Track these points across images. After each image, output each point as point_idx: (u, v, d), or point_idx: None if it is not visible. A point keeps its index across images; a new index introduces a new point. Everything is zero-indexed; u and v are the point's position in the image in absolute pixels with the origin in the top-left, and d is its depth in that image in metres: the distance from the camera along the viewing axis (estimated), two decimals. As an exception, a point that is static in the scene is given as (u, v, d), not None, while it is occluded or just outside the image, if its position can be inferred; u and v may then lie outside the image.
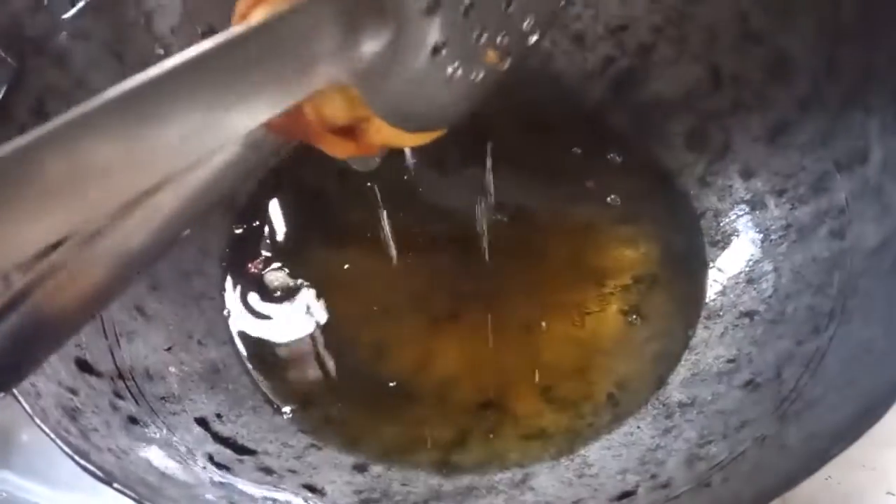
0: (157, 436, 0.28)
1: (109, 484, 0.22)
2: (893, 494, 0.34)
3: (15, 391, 0.24)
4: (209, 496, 0.25)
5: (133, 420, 0.28)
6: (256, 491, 0.27)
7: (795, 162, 0.35)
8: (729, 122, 0.38)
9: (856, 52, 0.33)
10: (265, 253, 0.39)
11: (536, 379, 0.34)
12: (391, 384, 0.34)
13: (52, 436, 0.23)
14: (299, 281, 0.38)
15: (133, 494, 0.22)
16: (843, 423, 0.23)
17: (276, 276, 0.38)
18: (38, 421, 0.23)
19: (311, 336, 0.36)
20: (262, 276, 0.38)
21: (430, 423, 0.33)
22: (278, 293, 0.37)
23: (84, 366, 0.29)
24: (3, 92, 0.33)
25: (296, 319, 0.36)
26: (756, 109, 0.37)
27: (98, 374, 0.29)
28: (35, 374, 0.26)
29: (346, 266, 0.38)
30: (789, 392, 0.28)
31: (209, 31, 0.40)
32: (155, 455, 0.27)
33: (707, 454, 0.28)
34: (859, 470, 0.34)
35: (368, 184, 0.41)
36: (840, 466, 0.34)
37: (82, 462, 0.22)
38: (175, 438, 0.28)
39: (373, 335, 0.36)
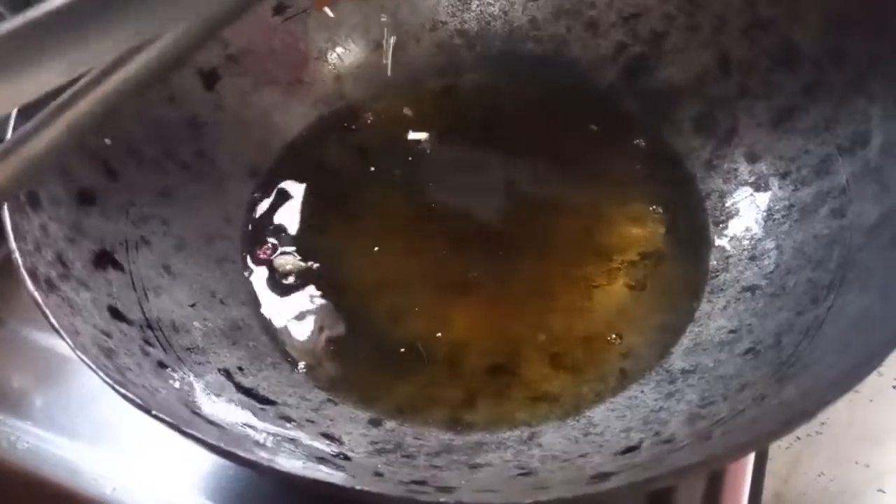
0: (185, 380, 0.29)
1: (148, 412, 0.23)
2: (885, 492, 0.35)
3: (57, 326, 0.26)
4: (236, 430, 0.27)
5: (162, 365, 0.30)
6: (280, 430, 0.28)
7: (799, 146, 0.37)
8: (736, 107, 0.39)
9: (860, 41, 0.35)
10: (284, 222, 0.40)
11: (545, 346, 0.35)
12: (403, 348, 0.35)
13: (93, 367, 0.24)
14: (317, 251, 0.39)
15: (171, 420, 0.23)
16: (838, 376, 0.25)
17: (294, 245, 0.39)
18: (79, 353, 0.25)
19: (328, 301, 0.37)
20: (280, 246, 0.39)
21: (441, 384, 0.34)
22: (297, 261, 0.39)
23: (115, 313, 0.30)
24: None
25: (313, 286, 0.38)
26: (762, 96, 0.38)
27: (129, 322, 0.30)
28: (73, 315, 0.28)
29: (361, 238, 0.39)
30: (788, 357, 0.29)
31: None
32: (184, 395, 0.28)
33: (708, 413, 0.29)
34: (852, 466, 0.36)
35: (385, 161, 0.42)
36: (833, 463, 0.36)
37: (122, 391, 0.24)
38: (201, 385, 0.30)
39: (387, 302, 0.37)
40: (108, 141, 0.35)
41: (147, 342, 0.30)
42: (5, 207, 0.29)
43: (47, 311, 0.26)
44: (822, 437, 0.36)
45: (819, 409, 0.22)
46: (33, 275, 0.27)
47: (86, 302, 0.29)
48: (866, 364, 0.23)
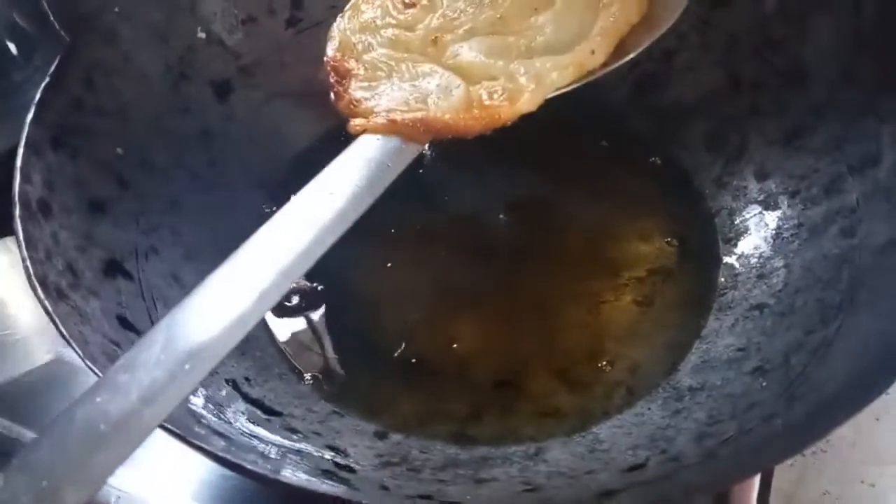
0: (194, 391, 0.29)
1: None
2: (889, 511, 0.35)
3: (67, 335, 0.26)
4: (242, 441, 0.27)
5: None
6: (286, 442, 0.28)
7: (809, 165, 0.37)
8: (746, 125, 0.39)
9: (871, 62, 0.35)
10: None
11: (551, 361, 0.35)
12: (412, 360, 0.35)
13: (102, 376, 0.24)
14: (325, 263, 0.39)
15: (179, 431, 0.23)
16: (848, 397, 0.25)
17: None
18: (88, 363, 0.25)
19: (335, 313, 0.37)
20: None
21: (447, 397, 0.34)
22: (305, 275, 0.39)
23: (125, 322, 0.30)
24: (56, 64, 0.34)
25: (320, 298, 0.38)
26: (772, 114, 0.38)
27: (137, 331, 0.30)
28: (82, 324, 0.28)
29: (369, 250, 0.39)
30: (797, 376, 0.29)
31: (248, 20, 0.42)
32: (191, 405, 0.28)
33: (716, 431, 0.29)
34: (857, 486, 0.35)
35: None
36: (838, 482, 0.35)
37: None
38: (209, 395, 0.30)
39: (393, 315, 0.37)
40: (120, 150, 0.36)
41: (155, 352, 0.30)
42: (17, 216, 0.29)
43: (57, 320, 0.26)
44: (827, 455, 0.35)
45: (828, 430, 0.22)
46: (44, 283, 0.28)
47: (95, 311, 0.29)
48: (876, 386, 0.23)
